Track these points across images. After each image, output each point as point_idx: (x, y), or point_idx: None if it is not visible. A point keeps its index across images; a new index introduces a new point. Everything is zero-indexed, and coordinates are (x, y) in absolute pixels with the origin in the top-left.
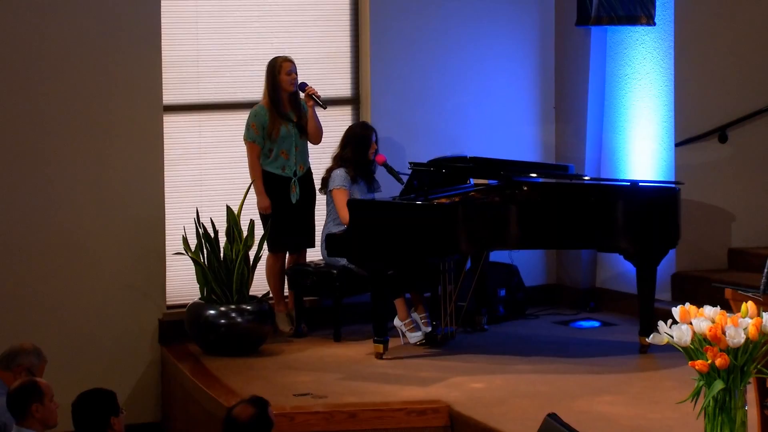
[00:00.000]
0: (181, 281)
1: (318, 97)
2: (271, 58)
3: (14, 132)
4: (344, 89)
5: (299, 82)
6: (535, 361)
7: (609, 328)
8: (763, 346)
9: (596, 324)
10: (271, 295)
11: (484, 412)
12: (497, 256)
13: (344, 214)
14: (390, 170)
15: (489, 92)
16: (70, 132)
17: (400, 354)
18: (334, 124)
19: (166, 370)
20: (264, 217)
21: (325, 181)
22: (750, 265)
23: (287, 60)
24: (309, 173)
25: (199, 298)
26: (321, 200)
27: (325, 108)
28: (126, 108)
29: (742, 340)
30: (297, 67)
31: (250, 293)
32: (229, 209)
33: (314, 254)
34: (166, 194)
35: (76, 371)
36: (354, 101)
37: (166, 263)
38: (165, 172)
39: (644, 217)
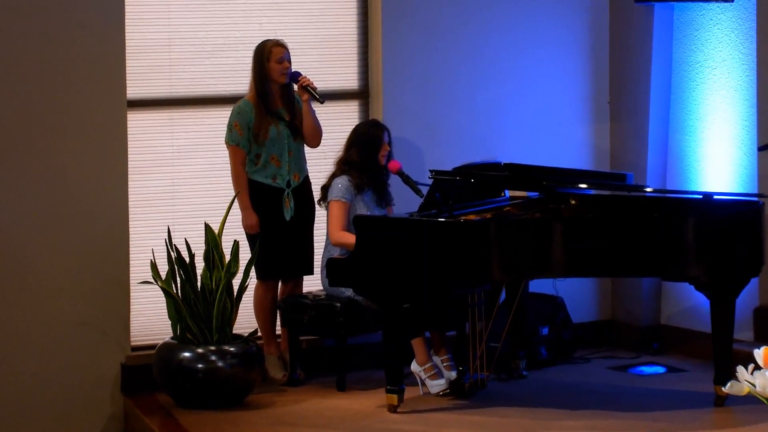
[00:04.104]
0: (149, 317)
1: (314, 89)
2: (260, 42)
3: None
4: (350, 81)
5: (292, 71)
6: (586, 415)
7: (676, 374)
8: None
9: (661, 370)
10: (259, 333)
11: None
12: (538, 286)
13: (335, 233)
14: (406, 180)
15: (529, 85)
16: (11, 133)
17: (418, 407)
18: (339, 123)
19: (131, 426)
20: (251, 238)
21: (326, 190)
22: None
23: (279, 45)
24: (306, 184)
25: (171, 338)
26: (321, 217)
27: (322, 102)
28: (82, 104)
29: None
30: (291, 54)
31: (234, 331)
32: (208, 228)
33: (313, 283)
34: (130, 209)
35: (21, 426)
36: (362, 95)
37: (131, 295)
38: (129, 182)
39: (720, 237)
